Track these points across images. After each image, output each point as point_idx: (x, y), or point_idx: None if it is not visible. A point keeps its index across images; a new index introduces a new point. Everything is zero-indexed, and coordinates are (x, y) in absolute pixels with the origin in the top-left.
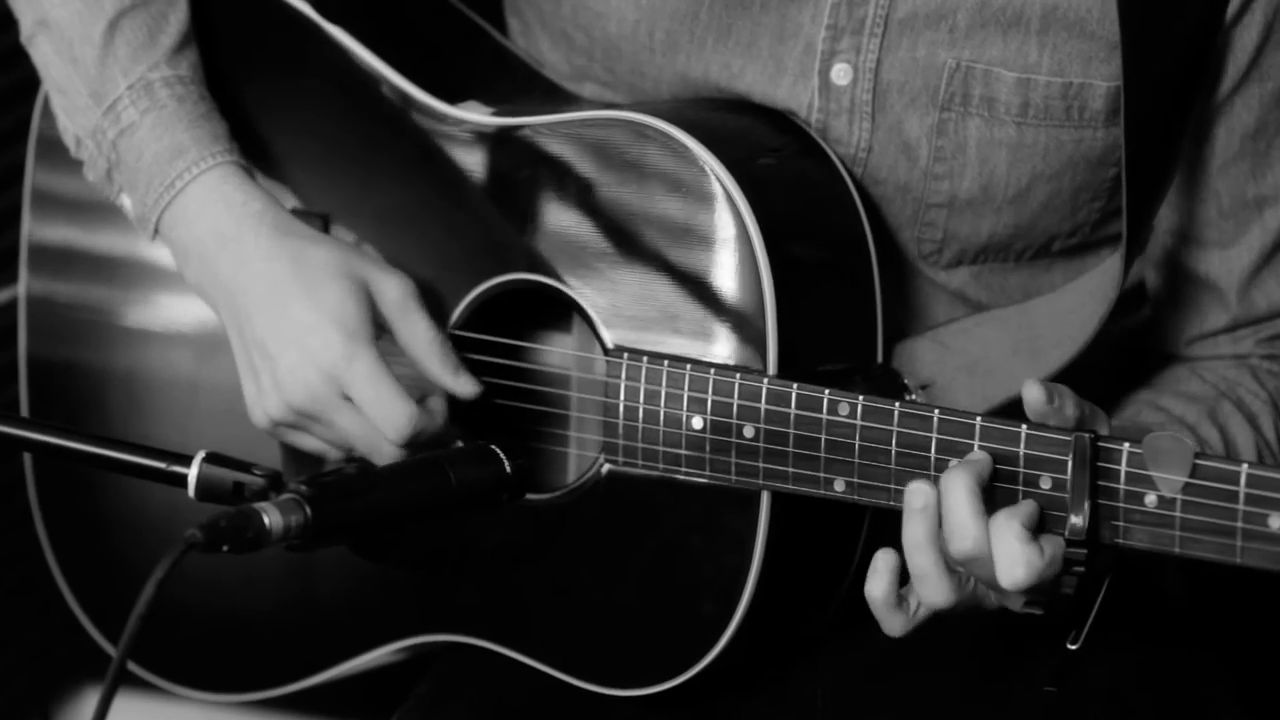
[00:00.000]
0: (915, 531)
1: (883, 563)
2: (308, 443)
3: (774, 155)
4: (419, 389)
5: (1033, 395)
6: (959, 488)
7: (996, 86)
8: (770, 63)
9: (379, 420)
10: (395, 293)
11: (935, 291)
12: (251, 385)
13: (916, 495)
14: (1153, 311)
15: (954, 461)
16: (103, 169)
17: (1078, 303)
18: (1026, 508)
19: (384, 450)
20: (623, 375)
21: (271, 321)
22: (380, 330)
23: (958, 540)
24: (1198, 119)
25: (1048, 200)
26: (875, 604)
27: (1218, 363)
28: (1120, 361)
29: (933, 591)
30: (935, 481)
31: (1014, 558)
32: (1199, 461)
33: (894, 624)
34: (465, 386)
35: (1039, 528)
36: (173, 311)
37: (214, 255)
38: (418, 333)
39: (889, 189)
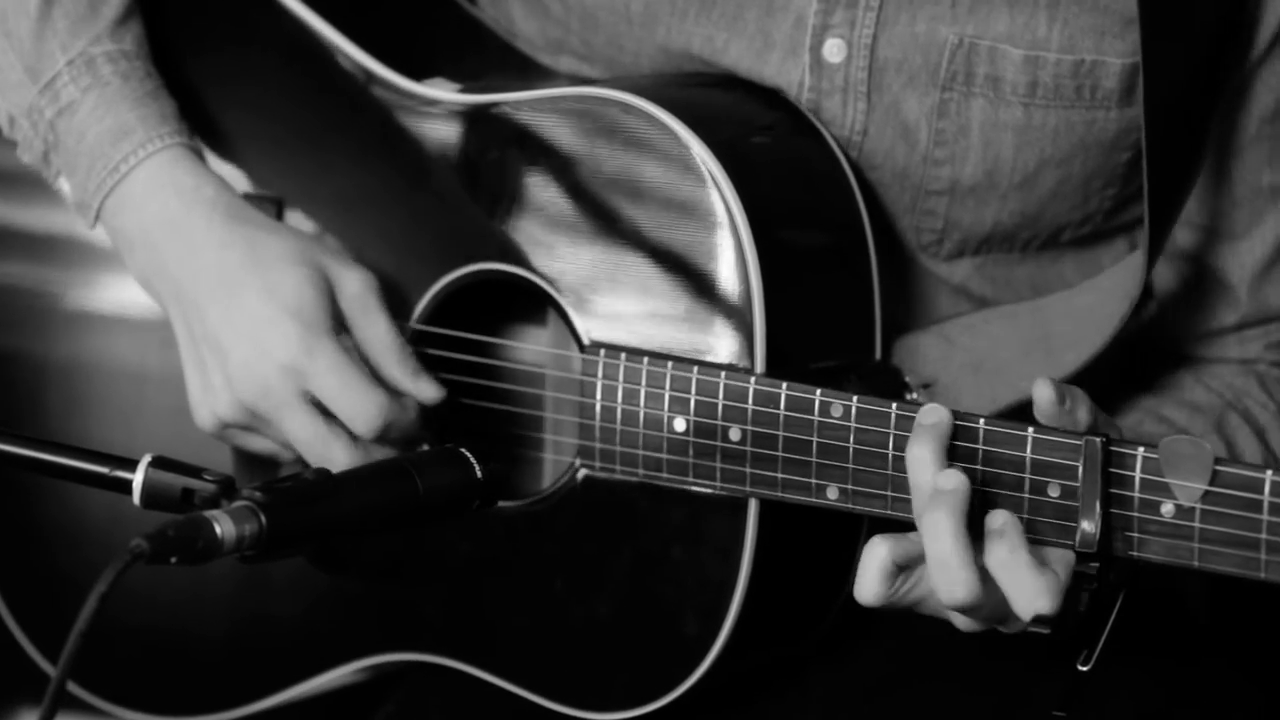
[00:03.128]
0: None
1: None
2: (258, 444)
3: (763, 135)
4: None
5: (1043, 395)
6: (945, 534)
7: (1002, 64)
8: (757, 37)
9: (347, 413)
10: (356, 287)
11: (937, 285)
12: (198, 383)
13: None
14: (1158, 305)
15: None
16: (39, 151)
17: (1096, 301)
18: (1014, 528)
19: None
20: (600, 373)
21: (223, 314)
22: (339, 325)
23: (949, 591)
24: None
25: (1056, 187)
26: (868, 563)
27: (1224, 368)
28: (1122, 359)
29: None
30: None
31: (1033, 590)
32: (1220, 468)
33: (870, 588)
34: (426, 391)
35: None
36: (117, 299)
37: (161, 244)
38: (378, 332)
39: (885, 175)
